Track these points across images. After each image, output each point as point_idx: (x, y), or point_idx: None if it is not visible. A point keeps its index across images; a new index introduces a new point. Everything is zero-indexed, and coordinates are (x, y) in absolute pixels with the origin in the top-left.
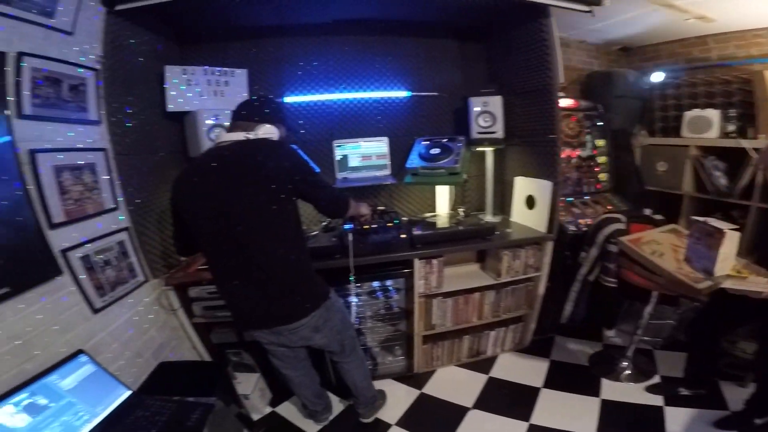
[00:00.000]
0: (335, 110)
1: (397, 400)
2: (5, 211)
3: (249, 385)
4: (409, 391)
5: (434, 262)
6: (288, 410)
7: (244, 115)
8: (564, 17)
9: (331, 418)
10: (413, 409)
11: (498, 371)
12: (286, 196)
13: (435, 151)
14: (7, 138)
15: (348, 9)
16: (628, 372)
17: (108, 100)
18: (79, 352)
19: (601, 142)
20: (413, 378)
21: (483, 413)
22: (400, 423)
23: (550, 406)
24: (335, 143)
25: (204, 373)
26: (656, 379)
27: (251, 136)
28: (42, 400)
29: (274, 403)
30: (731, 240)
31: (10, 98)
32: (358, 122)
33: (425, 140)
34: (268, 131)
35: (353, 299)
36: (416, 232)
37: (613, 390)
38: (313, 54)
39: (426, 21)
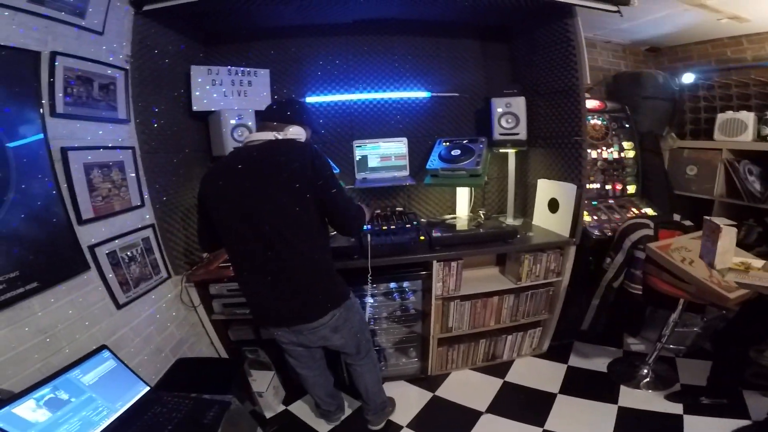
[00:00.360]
0: (355, 110)
1: (410, 402)
2: (38, 207)
3: (264, 382)
4: (422, 393)
5: (453, 264)
6: (300, 409)
7: (273, 116)
8: (589, 17)
9: (342, 418)
10: (425, 411)
11: (514, 376)
12: (311, 197)
13: (456, 152)
14: (40, 136)
15: (369, 9)
16: (648, 380)
17: (136, 100)
18: (103, 347)
19: (628, 145)
20: (427, 380)
21: (496, 417)
22: (411, 425)
23: (566, 412)
24: (355, 143)
25: (220, 369)
26: (677, 388)
27: (280, 136)
28: (63, 395)
29: (287, 401)
30: (728, 234)
31: (45, 97)
32: (377, 122)
33: (446, 141)
34: (296, 132)
35: (369, 300)
36: (435, 234)
37: (631, 397)
38: (333, 54)
39: (447, 21)
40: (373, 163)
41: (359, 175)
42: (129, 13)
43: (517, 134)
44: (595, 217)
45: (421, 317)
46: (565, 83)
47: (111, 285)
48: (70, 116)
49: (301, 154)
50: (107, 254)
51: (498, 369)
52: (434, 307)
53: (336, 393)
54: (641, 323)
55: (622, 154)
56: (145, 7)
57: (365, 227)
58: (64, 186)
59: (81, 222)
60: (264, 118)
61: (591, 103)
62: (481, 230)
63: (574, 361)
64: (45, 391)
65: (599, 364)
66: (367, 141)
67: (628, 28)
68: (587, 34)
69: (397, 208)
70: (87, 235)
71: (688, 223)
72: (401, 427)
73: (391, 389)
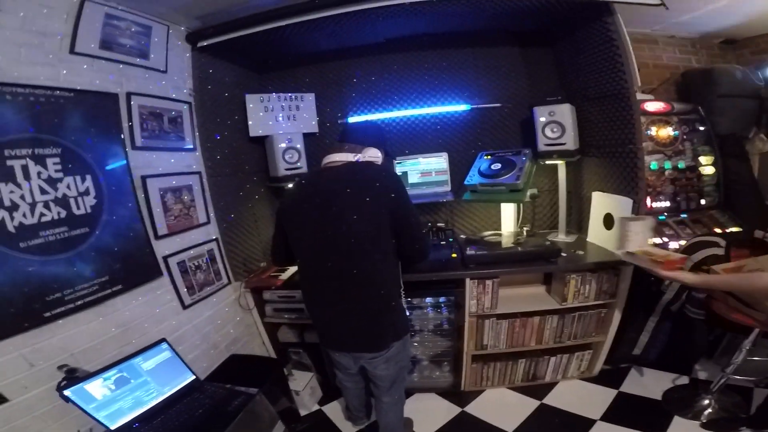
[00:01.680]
0: (394, 128)
1: (436, 415)
2: (124, 226)
3: (302, 382)
4: (451, 407)
5: (488, 282)
6: (333, 410)
7: (351, 137)
8: (636, 12)
9: (367, 423)
10: (449, 426)
11: (553, 398)
12: (386, 220)
13: (496, 166)
14: (125, 167)
15: (397, 28)
16: (709, 410)
17: (201, 129)
18: (162, 340)
19: (706, 150)
20: (459, 395)
21: None
22: None
23: None
24: (396, 160)
25: (264, 367)
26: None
27: (359, 158)
28: (125, 377)
29: (322, 401)
30: (632, 227)
31: (126, 133)
32: (416, 138)
33: (488, 154)
34: (373, 155)
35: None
36: (469, 251)
37: (683, 429)
38: (369, 73)
39: (480, 29)
40: (413, 179)
41: None
42: (187, 50)
43: (564, 144)
44: (663, 232)
45: (455, 333)
46: (613, 86)
47: (179, 289)
48: (147, 148)
49: (383, 177)
50: (177, 263)
51: (537, 390)
52: (468, 323)
53: (368, 403)
54: (702, 350)
55: (700, 161)
56: (200, 44)
57: None
58: (144, 208)
59: (157, 237)
60: (342, 139)
61: (654, 106)
62: (519, 248)
63: (628, 386)
64: (112, 373)
65: (656, 391)
66: (407, 157)
67: (689, 21)
68: (644, 30)
69: (438, 224)
70: (162, 248)
71: None
72: None
73: (421, 401)
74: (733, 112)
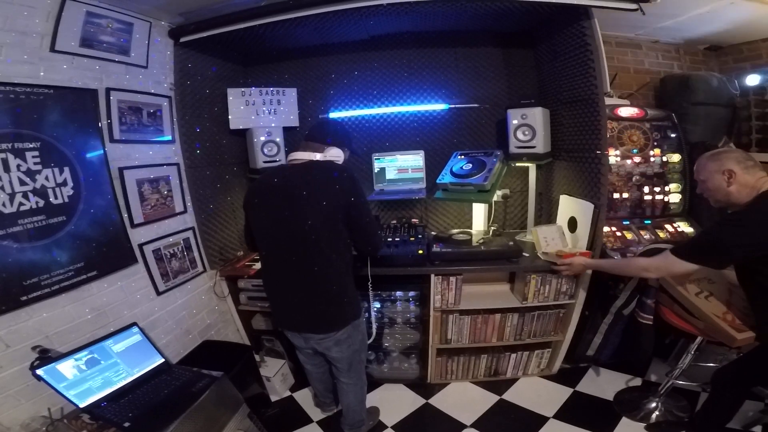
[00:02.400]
0: (374, 124)
1: (402, 405)
2: (101, 214)
3: (274, 369)
4: (416, 399)
5: (452, 279)
6: (303, 397)
7: (315, 136)
8: (622, 16)
9: (335, 410)
10: (413, 416)
11: (512, 395)
12: (341, 218)
13: (467, 166)
14: (102, 158)
15: (382, 25)
16: (657, 413)
17: (180, 122)
18: (133, 324)
19: (675, 157)
20: (425, 387)
21: None
22: (396, 427)
23: None
24: (374, 156)
25: (235, 353)
26: None
27: (320, 157)
28: (96, 358)
29: (294, 388)
30: (540, 233)
31: (104, 127)
32: (395, 136)
33: (461, 154)
34: (335, 154)
35: (376, 304)
36: (435, 248)
37: (630, 431)
38: (353, 70)
39: (464, 30)
40: (390, 175)
41: (377, 187)
42: (169, 46)
43: (534, 147)
44: (623, 237)
45: (421, 326)
46: (584, 91)
47: (153, 275)
48: (125, 141)
49: (338, 178)
50: (153, 251)
51: (498, 385)
52: (432, 318)
53: (333, 389)
54: (669, 351)
55: (666, 168)
56: (182, 39)
57: None
58: (120, 198)
59: (133, 226)
60: (307, 138)
61: (628, 111)
62: (483, 247)
63: (584, 386)
64: (83, 354)
65: (609, 391)
66: (385, 154)
67: (673, 26)
68: (628, 34)
69: (413, 220)
70: (137, 236)
71: None
72: (386, 427)
73: (389, 391)
74: (706, 120)
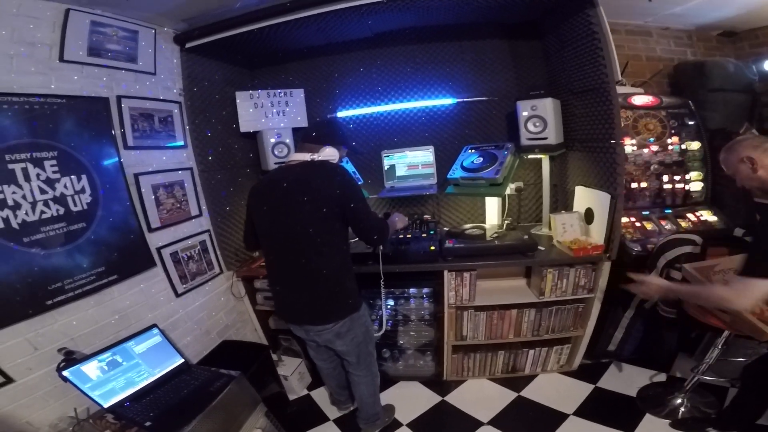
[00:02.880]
0: (382, 122)
1: (417, 402)
2: (119, 220)
3: (291, 368)
4: (432, 396)
5: (466, 275)
6: (320, 395)
7: (310, 137)
8: (631, 3)
9: (351, 408)
10: (429, 414)
11: (530, 391)
12: (337, 215)
13: (478, 160)
14: (118, 165)
15: (385, 22)
16: (683, 410)
17: (192, 127)
18: (153, 326)
19: (694, 145)
20: (441, 384)
21: (495, 431)
22: (411, 425)
23: None
24: (383, 153)
25: (253, 352)
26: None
27: (315, 157)
28: (118, 359)
29: (311, 386)
30: (558, 219)
31: (118, 135)
32: (404, 132)
33: (472, 148)
34: (329, 154)
35: (389, 302)
36: (448, 244)
37: (652, 427)
38: (358, 68)
39: (467, 23)
40: (400, 171)
41: (387, 184)
42: (175, 51)
43: (546, 138)
44: (644, 228)
45: (436, 323)
46: (594, 80)
47: (172, 278)
48: (138, 147)
49: (332, 178)
50: (170, 254)
51: (517, 382)
52: (447, 314)
53: (347, 385)
54: (696, 345)
55: (688, 156)
56: (188, 44)
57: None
58: (137, 203)
59: (150, 230)
60: (302, 139)
61: (642, 99)
62: (496, 242)
63: (605, 382)
64: (106, 355)
65: (632, 387)
66: (394, 151)
67: (683, 12)
68: (637, 22)
69: (425, 216)
70: (155, 240)
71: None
72: (401, 425)
73: (405, 389)
74: (725, 106)
